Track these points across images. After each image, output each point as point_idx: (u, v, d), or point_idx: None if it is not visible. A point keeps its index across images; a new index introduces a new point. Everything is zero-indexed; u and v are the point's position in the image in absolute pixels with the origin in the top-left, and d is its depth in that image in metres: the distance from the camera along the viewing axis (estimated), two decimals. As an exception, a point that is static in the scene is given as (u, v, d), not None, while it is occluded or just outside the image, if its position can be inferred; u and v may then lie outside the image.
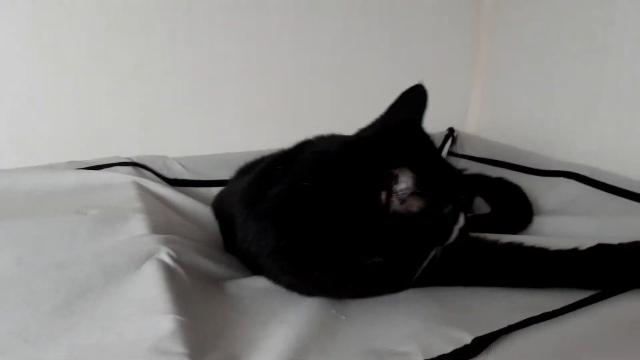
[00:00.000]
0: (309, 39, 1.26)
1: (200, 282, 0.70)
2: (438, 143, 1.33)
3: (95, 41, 1.10)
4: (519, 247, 0.72)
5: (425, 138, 0.70)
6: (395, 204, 0.60)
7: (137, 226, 0.75)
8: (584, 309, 0.57)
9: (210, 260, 0.75)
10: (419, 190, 0.59)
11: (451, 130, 1.35)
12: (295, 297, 0.69)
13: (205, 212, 0.96)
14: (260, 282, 0.74)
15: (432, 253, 0.64)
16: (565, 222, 0.92)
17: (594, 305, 0.58)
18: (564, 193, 1.03)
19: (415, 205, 0.60)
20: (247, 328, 0.61)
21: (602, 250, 0.66)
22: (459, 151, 1.32)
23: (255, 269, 0.72)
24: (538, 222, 0.94)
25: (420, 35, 1.38)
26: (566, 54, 1.22)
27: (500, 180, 1.06)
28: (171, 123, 1.18)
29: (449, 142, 1.32)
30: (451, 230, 0.65)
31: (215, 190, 1.07)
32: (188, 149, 1.17)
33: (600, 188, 1.00)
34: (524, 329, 0.54)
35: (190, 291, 0.65)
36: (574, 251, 0.67)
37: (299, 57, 1.26)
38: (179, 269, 0.66)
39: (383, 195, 0.59)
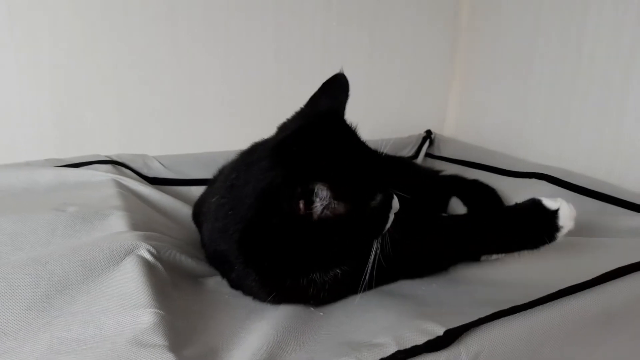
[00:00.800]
0: (289, 39, 1.27)
1: (180, 278, 0.71)
2: (416, 145, 1.36)
3: (74, 40, 1.09)
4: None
5: (346, 129, 0.70)
6: (318, 212, 0.60)
7: (117, 223, 0.75)
8: (551, 302, 0.60)
9: (190, 257, 0.76)
10: (337, 197, 0.60)
11: (429, 133, 1.38)
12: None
13: (184, 211, 0.96)
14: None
15: (375, 246, 0.65)
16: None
17: (561, 299, 0.60)
18: (536, 194, 1.05)
19: (340, 208, 0.61)
20: (227, 323, 0.62)
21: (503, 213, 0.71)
22: (436, 153, 1.35)
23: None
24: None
25: (399, 40, 1.40)
26: (541, 58, 1.26)
27: (475, 182, 1.09)
28: (151, 122, 1.18)
29: (427, 144, 1.35)
30: (386, 218, 0.66)
31: (195, 190, 1.08)
32: (168, 148, 1.17)
33: (571, 189, 1.03)
34: (494, 322, 0.56)
35: (170, 287, 0.66)
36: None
37: (280, 56, 1.27)
38: (159, 265, 0.67)
39: (301, 205, 0.59)
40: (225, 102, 1.23)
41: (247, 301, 0.69)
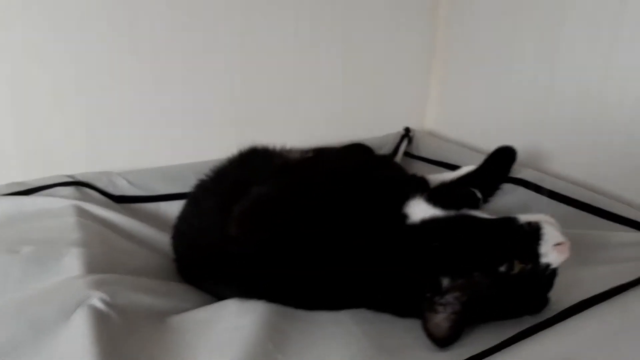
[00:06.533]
0: (258, 42, 1.21)
1: (139, 320, 0.69)
2: (394, 143, 1.32)
3: (33, 48, 1.03)
4: None
5: None
6: None
7: (72, 265, 0.73)
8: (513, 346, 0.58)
9: (150, 295, 0.74)
10: None
11: (407, 130, 1.34)
12: (236, 324, 0.69)
13: (150, 233, 0.94)
14: (202, 314, 0.74)
15: None
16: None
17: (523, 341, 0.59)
18: (512, 200, 1.03)
19: None
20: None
21: None
22: (415, 152, 1.32)
23: None
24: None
25: (375, 34, 1.34)
26: (519, 53, 1.21)
27: None
28: (118, 134, 1.13)
29: (405, 142, 1.32)
30: None
31: (163, 205, 1.06)
32: (137, 160, 1.14)
33: (547, 196, 1.00)
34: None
35: (125, 335, 0.64)
36: None
37: (247, 57, 1.21)
38: (112, 314, 0.65)
39: None
40: (192, 111, 1.19)
41: (210, 338, 0.68)
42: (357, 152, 0.98)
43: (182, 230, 0.88)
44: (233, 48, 1.19)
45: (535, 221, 0.68)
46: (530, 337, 0.61)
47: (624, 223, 0.88)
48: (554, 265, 0.65)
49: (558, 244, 0.65)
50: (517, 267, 0.64)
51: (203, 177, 0.92)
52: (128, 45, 1.09)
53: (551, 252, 0.65)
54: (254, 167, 0.91)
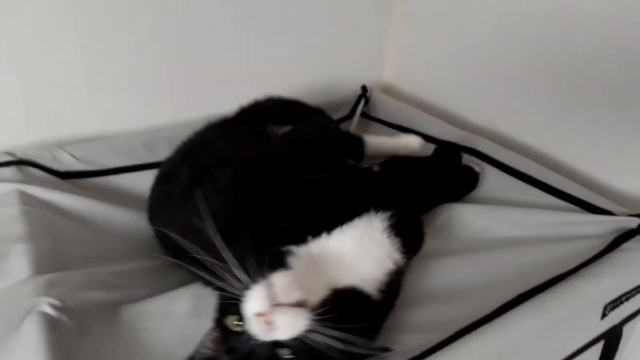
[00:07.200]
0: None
1: (92, 319, 0.69)
2: (351, 104, 1.30)
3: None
4: None
5: None
6: None
7: (19, 264, 0.71)
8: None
9: (102, 289, 0.73)
10: None
11: (364, 90, 1.31)
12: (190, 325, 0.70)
13: (100, 210, 0.91)
14: (156, 306, 0.74)
15: None
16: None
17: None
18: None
19: None
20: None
21: None
22: (372, 113, 1.30)
23: None
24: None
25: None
26: (481, 8, 1.18)
27: None
28: (60, 100, 1.05)
29: (362, 102, 1.29)
30: None
31: (113, 179, 1.02)
32: (81, 127, 1.09)
33: (498, 167, 1.02)
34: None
35: (78, 339, 0.65)
36: None
37: (194, 16, 1.12)
38: (63, 318, 0.65)
39: None
40: (138, 73, 1.11)
41: (163, 338, 0.68)
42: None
43: (154, 212, 0.87)
44: (179, 7, 1.11)
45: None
46: (466, 335, 0.63)
47: (571, 201, 0.91)
48: (259, 337, 0.52)
49: (258, 314, 0.52)
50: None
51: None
52: (68, 6, 1.00)
53: (251, 321, 0.53)
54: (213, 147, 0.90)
